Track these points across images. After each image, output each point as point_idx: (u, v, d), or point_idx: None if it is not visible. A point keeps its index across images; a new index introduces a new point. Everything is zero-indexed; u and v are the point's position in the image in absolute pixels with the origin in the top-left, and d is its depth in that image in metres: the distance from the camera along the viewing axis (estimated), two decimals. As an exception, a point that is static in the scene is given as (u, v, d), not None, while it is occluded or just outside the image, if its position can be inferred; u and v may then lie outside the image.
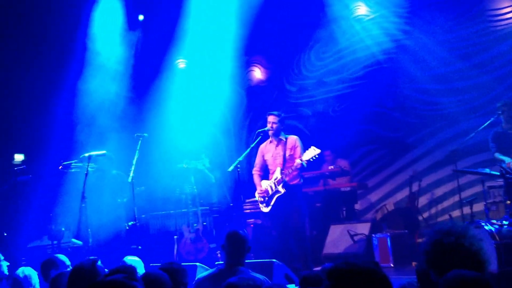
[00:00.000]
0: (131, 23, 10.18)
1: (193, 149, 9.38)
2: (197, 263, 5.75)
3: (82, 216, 7.16)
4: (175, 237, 8.51)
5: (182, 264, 3.87)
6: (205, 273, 4.56)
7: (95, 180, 8.10)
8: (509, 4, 8.83)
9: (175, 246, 8.45)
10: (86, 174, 7.23)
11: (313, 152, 6.76)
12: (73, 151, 8.56)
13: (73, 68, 9.57)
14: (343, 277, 2.02)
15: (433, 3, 9.19)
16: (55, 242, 7.98)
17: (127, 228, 8.09)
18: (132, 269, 2.71)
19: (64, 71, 9.51)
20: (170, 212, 8.97)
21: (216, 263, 5.65)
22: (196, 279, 4.40)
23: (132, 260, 5.12)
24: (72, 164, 7.85)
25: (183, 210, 8.73)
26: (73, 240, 8.20)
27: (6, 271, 4.85)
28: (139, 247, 7.50)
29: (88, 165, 7.30)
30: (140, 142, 7.40)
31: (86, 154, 7.42)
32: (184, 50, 10.33)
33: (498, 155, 6.94)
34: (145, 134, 7.54)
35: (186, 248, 8.39)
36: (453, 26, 9.23)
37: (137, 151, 7.31)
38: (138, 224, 7.35)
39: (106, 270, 3.37)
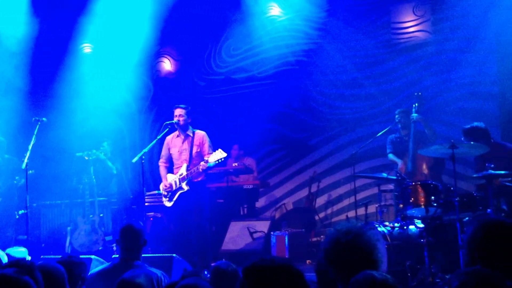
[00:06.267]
0: (36, 2, 9.55)
1: (94, 137, 9.03)
2: (92, 256, 5.55)
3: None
4: (69, 228, 8.16)
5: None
6: (98, 268, 4.39)
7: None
8: (412, 18, 9.30)
9: (68, 238, 8.11)
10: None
11: (219, 155, 6.71)
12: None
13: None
14: (260, 274, 2.03)
15: (343, 13, 9.50)
16: None
17: (17, 217, 7.64)
18: (30, 264, 2.54)
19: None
20: (65, 201, 8.57)
21: (113, 256, 5.48)
22: (89, 274, 4.22)
23: (17, 252, 4.84)
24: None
25: (79, 200, 8.39)
26: None
27: None
28: (25, 237, 7.11)
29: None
30: (38, 126, 6.94)
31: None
32: (91, 34, 9.89)
33: (392, 157, 7.31)
34: (44, 119, 7.07)
35: (80, 240, 8.08)
36: (359, 35, 9.59)
37: (34, 136, 6.87)
38: (29, 213, 6.92)
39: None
